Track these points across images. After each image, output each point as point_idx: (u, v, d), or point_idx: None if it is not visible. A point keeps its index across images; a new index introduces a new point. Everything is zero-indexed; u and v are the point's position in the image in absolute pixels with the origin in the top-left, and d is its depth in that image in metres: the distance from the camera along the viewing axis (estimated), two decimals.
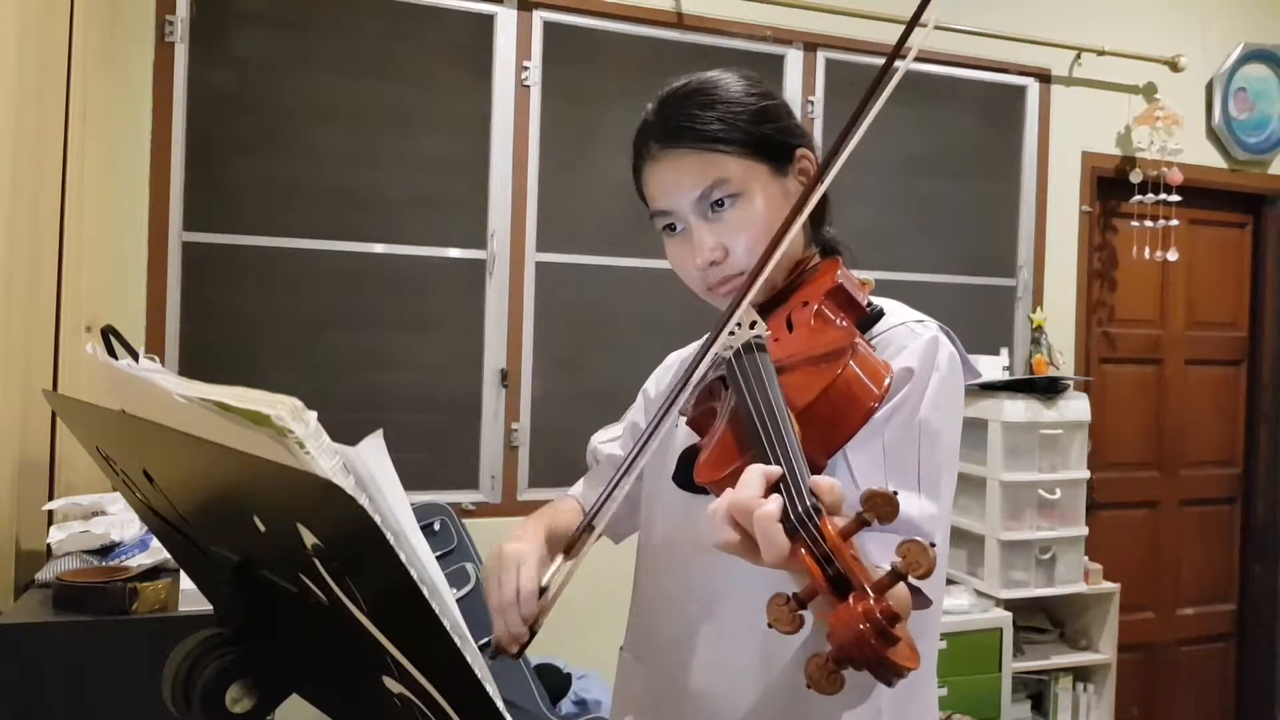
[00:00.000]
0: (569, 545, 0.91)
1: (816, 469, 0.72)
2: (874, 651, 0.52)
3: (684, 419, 0.90)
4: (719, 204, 0.95)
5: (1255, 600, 3.85)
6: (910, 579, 0.54)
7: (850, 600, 0.54)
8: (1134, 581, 3.46)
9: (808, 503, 0.61)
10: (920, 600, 0.82)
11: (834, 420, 0.76)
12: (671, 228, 0.99)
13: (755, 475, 0.64)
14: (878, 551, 0.77)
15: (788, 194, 0.98)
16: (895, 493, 0.57)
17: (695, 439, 0.91)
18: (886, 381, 0.79)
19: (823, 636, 0.56)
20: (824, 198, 1.02)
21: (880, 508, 0.57)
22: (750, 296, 0.87)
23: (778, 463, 0.67)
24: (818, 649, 0.55)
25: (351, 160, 2.69)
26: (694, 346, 1.18)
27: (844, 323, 0.88)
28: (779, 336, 0.89)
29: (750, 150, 0.95)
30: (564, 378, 2.89)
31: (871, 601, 0.53)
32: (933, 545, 0.54)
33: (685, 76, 1.01)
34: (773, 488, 0.64)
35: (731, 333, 0.86)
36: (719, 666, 0.96)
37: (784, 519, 0.61)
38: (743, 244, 0.94)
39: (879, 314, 0.93)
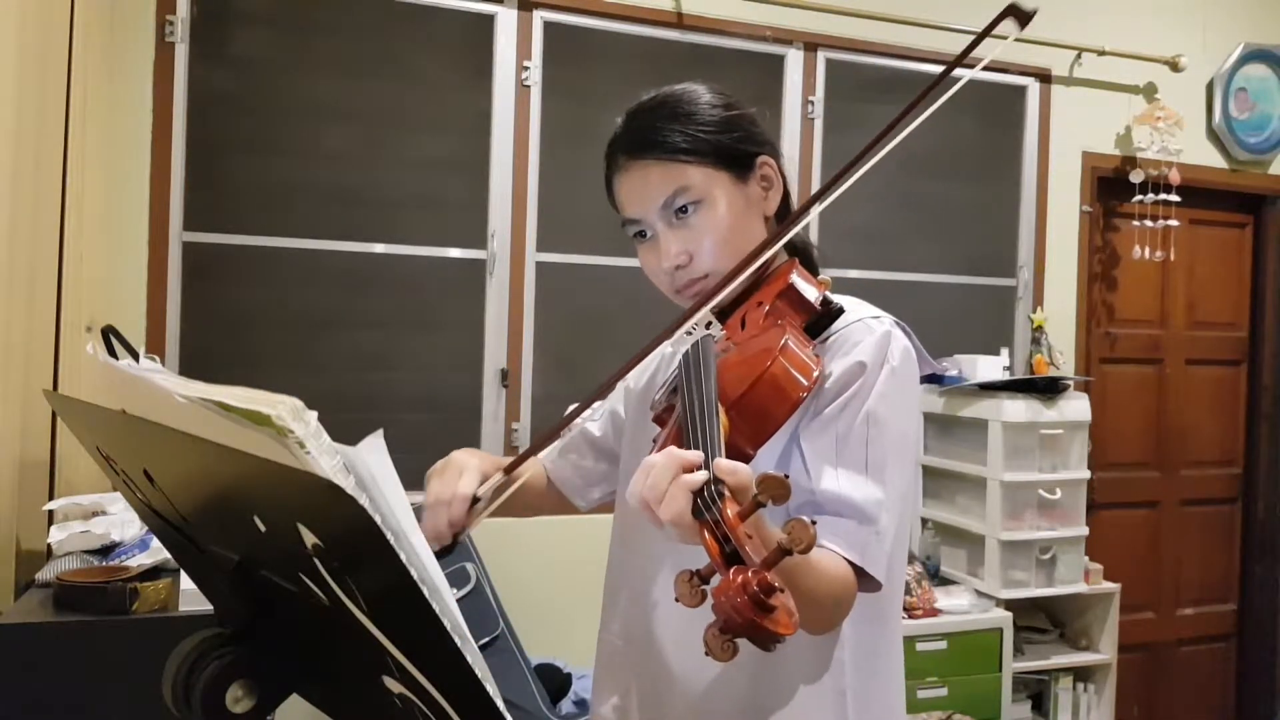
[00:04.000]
0: (511, 466, 1.00)
1: (745, 458, 0.78)
2: (748, 619, 0.56)
3: (651, 414, 0.95)
4: (683, 210, 1.00)
5: (1255, 600, 3.85)
6: (795, 553, 0.58)
7: (731, 573, 0.58)
8: (1134, 581, 3.45)
9: (713, 488, 0.65)
10: (869, 584, 0.89)
11: (763, 412, 0.81)
12: (642, 235, 1.05)
13: (673, 458, 0.69)
14: (825, 533, 0.86)
15: (749, 199, 1.04)
16: (786, 476, 0.62)
17: None
18: (815, 374, 0.83)
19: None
20: (786, 198, 1.08)
21: (773, 489, 0.62)
22: (711, 305, 0.95)
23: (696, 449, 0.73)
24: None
25: (351, 160, 2.69)
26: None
27: (782, 321, 0.92)
28: (731, 335, 0.95)
29: (711, 160, 1.01)
30: (564, 378, 2.89)
31: (750, 574, 0.57)
32: (813, 522, 0.59)
33: (653, 90, 1.07)
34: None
35: (689, 333, 0.94)
36: (689, 647, 0.99)
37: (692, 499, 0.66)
38: (706, 248, 1.00)
39: (837, 311, 0.97)
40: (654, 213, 1.01)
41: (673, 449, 0.70)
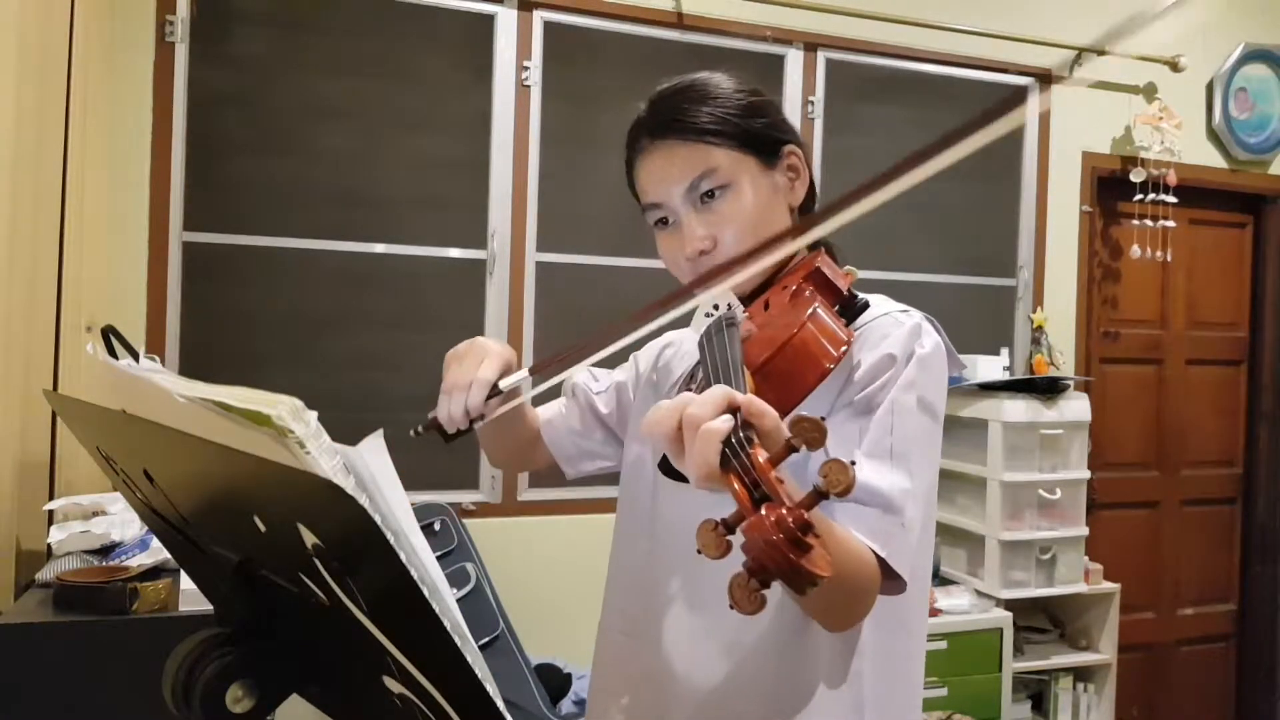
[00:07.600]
0: (538, 366, 0.96)
1: None
2: (784, 557, 0.52)
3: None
4: (709, 195, 0.97)
5: (1255, 600, 3.85)
6: (832, 496, 0.54)
7: (764, 510, 0.54)
8: (1134, 581, 3.45)
9: (741, 434, 0.62)
10: (894, 585, 0.85)
11: (789, 376, 0.78)
12: (664, 222, 1.01)
13: (719, 394, 0.65)
14: (848, 521, 0.82)
15: (776, 187, 1.01)
16: (823, 418, 0.58)
17: None
18: (844, 347, 0.80)
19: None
20: (812, 192, 1.06)
21: (808, 433, 0.57)
22: (730, 283, 0.90)
23: None
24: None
25: (351, 160, 2.69)
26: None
27: (810, 295, 0.90)
28: (755, 316, 0.92)
29: (739, 143, 0.98)
30: None
31: (785, 510, 0.53)
32: (853, 463, 0.55)
33: (677, 77, 1.04)
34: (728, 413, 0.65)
35: (708, 314, 0.90)
36: (699, 644, 0.98)
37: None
38: (731, 234, 0.97)
39: (864, 305, 0.95)
40: (678, 196, 0.98)
41: (712, 391, 0.65)
